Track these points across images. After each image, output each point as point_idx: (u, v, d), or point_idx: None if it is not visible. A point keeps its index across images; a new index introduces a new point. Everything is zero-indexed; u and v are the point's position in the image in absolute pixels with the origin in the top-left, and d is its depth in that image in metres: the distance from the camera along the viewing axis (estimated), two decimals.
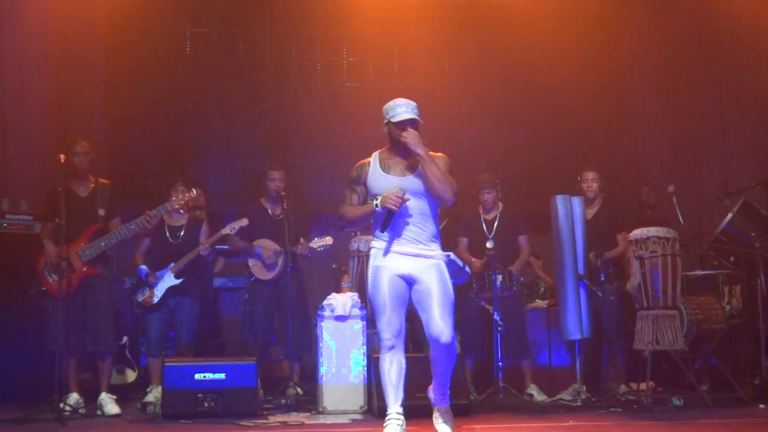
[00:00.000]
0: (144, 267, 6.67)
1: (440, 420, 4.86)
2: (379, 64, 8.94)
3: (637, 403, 6.17)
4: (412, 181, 4.62)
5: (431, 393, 4.87)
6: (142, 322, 6.82)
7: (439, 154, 4.73)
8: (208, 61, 8.79)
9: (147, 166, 8.28)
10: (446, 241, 5.16)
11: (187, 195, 6.44)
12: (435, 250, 4.66)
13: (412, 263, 4.61)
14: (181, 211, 6.64)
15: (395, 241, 4.62)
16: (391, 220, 4.55)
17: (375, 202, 4.58)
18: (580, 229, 6.56)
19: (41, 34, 7.74)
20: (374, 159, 4.74)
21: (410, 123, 4.60)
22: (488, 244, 6.71)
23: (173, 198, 6.42)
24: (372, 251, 4.72)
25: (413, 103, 4.67)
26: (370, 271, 4.69)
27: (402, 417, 4.65)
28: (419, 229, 4.63)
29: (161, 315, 6.66)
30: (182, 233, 6.78)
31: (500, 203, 7.09)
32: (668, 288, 6.24)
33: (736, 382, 6.42)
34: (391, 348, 4.64)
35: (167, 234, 6.76)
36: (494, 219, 7.03)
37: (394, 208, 4.50)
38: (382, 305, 4.62)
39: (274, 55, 8.86)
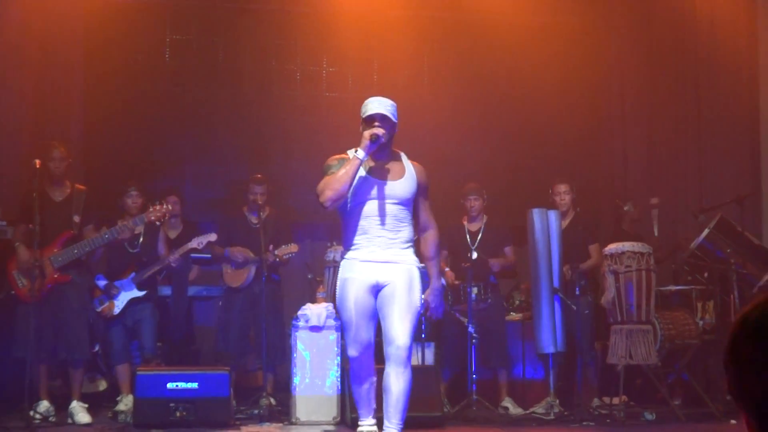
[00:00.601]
0: (101, 275, 6.51)
1: None
2: (359, 75, 8.92)
3: (609, 417, 6.19)
4: (390, 187, 4.51)
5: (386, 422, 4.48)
6: (103, 332, 6.62)
7: (415, 163, 4.70)
8: (187, 69, 8.71)
9: (124, 173, 8.19)
10: None
11: (164, 207, 6.23)
12: (408, 256, 4.54)
13: (383, 270, 4.47)
14: (158, 223, 6.38)
15: (367, 249, 4.49)
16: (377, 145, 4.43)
17: (352, 151, 4.45)
18: (556, 243, 6.58)
19: (18, 39, 7.66)
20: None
21: (380, 118, 4.45)
22: (473, 255, 6.67)
23: (150, 209, 6.23)
24: (342, 263, 4.61)
25: (388, 101, 4.50)
26: (338, 283, 4.58)
27: (375, 428, 4.62)
28: (393, 234, 4.49)
29: (123, 325, 6.51)
30: (140, 241, 6.61)
31: (485, 215, 7.09)
32: (642, 303, 6.28)
33: (708, 397, 6.46)
34: (359, 362, 4.55)
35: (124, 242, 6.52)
36: (478, 230, 6.99)
37: (376, 132, 4.37)
38: (349, 320, 4.50)
39: (254, 63, 8.80)
